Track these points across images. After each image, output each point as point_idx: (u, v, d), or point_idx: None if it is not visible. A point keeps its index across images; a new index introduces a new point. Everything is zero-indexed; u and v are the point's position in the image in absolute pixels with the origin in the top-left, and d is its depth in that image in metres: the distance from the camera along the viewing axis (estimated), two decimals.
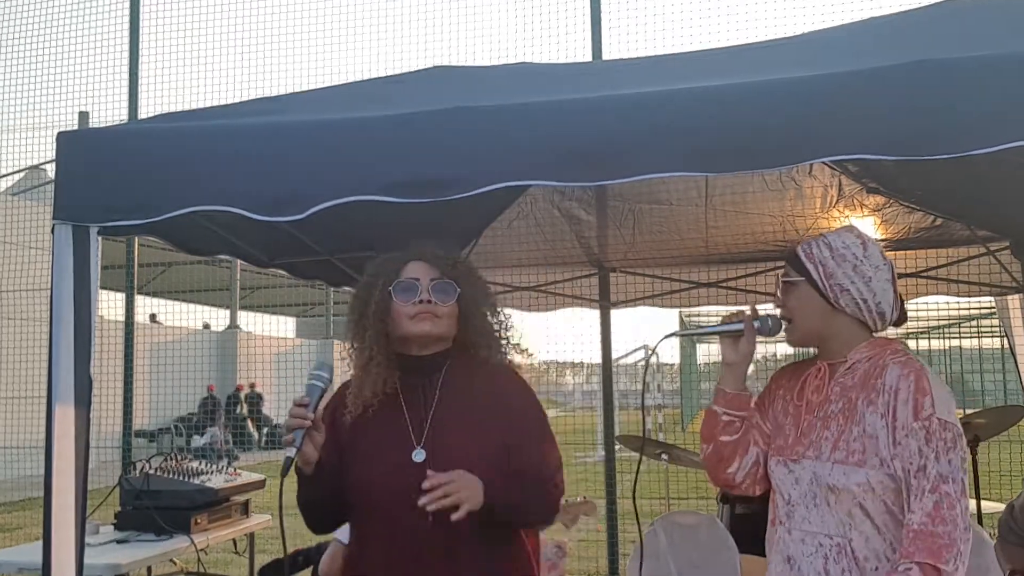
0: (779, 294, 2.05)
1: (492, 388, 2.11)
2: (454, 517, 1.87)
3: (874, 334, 2.02)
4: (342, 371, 2.19)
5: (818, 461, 1.92)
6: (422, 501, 1.88)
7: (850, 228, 2.07)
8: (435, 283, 2.11)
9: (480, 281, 2.21)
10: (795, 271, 2.02)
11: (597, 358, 5.60)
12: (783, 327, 2.04)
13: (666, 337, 2.23)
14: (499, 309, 2.24)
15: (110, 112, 6.62)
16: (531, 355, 2.28)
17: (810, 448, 1.94)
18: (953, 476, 1.76)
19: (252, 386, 18.90)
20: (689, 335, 2.22)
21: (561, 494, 2.17)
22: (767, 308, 2.13)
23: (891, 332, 2.15)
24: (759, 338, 2.06)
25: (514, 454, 2.07)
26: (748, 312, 2.06)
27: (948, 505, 1.74)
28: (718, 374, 2.14)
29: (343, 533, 2.36)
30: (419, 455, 2.03)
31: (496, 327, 2.18)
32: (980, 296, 4.70)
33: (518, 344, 2.23)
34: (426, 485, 1.89)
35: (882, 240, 4.38)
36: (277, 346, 20.70)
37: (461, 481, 1.91)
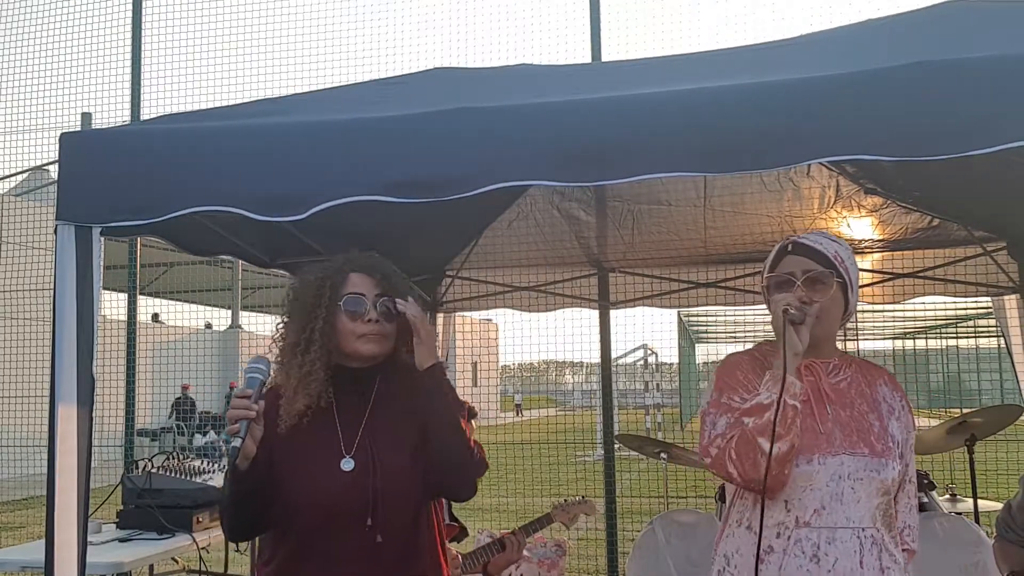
0: (804, 289, 1.96)
1: (412, 390, 2.07)
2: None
3: None
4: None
5: (858, 456, 1.92)
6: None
7: (840, 235, 2.09)
8: (381, 300, 2.05)
9: (405, 285, 2.14)
10: (833, 272, 1.98)
11: (596, 358, 5.61)
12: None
13: (786, 319, 1.92)
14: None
15: (113, 113, 6.65)
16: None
17: (844, 443, 1.93)
18: (915, 473, 2.10)
19: (231, 387, 18.87)
20: (797, 316, 2.19)
21: (481, 459, 2.09)
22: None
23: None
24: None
25: (430, 439, 2.03)
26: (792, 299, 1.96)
27: (914, 494, 2.09)
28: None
29: None
30: (348, 464, 2.00)
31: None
32: (977, 296, 4.70)
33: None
34: (369, 478, 1.93)
35: (879, 240, 4.40)
36: None
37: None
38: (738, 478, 1.89)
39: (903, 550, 2.02)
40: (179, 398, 16.25)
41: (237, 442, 1.88)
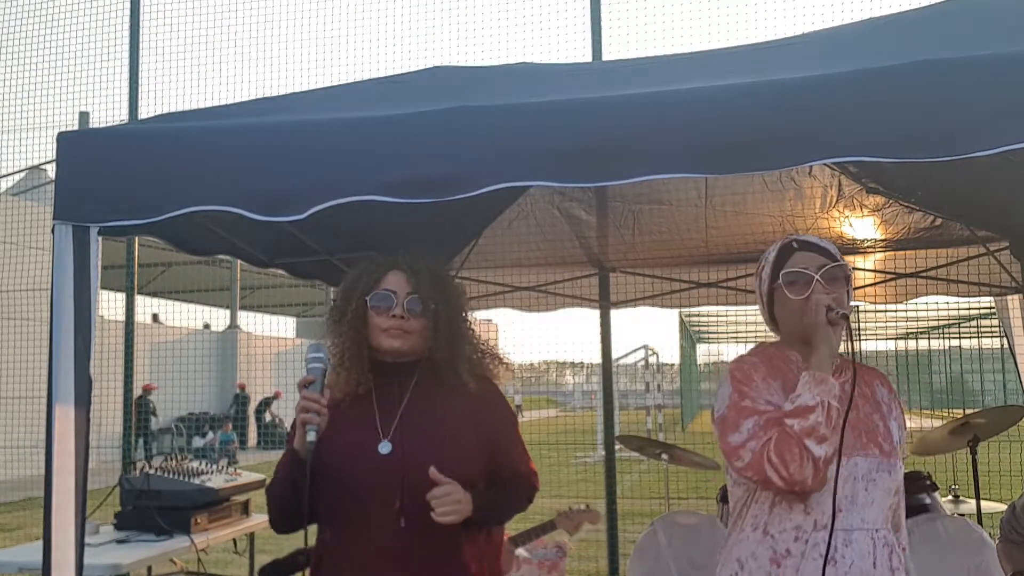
0: (823, 283, 1.95)
1: (463, 393, 2.15)
2: (441, 520, 1.95)
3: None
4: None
5: (870, 457, 1.93)
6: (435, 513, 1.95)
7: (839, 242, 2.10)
8: (410, 298, 2.13)
9: (456, 298, 2.22)
10: (845, 266, 1.99)
11: (597, 358, 5.60)
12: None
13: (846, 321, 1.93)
14: (471, 322, 2.27)
15: (110, 112, 6.63)
16: (510, 368, 2.30)
17: (857, 445, 1.93)
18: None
19: (242, 388, 18.92)
20: (845, 316, 2.19)
21: (535, 490, 2.25)
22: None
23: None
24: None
25: (492, 457, 2.15)
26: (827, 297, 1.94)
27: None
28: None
29: None
30: (385, 447, 2.06)
31: (468, 345, 2.20)
32: (980, 296, 4.69)
33: (497, 356, 2.26)
34: (433, 495, 1.96)
35: (882, 240, 4.38)
36: (277, 346, 20.73)
37: (455, 495, 1.97)
38: (779, 481, 1.85)
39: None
40: (138, 398, 15.38)
41: (312, 436, 1.94)
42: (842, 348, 1.95)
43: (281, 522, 2.12)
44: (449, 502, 1.96)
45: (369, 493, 2.04)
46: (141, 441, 14.77)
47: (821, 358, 1.88)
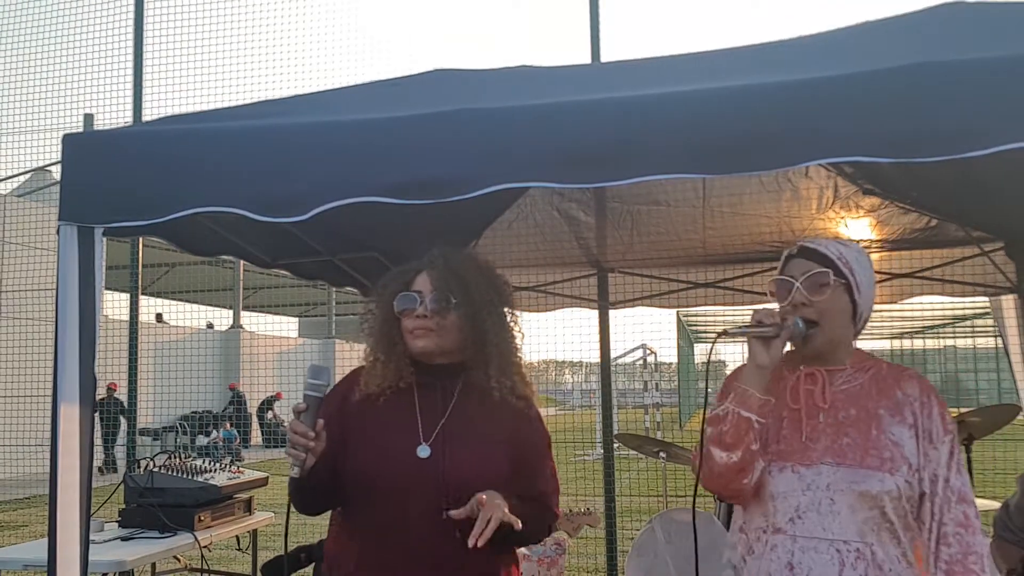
0: (805, 292, 1.94)
1: (505, 407, 2.11)
2: (480, 543, 1.86)
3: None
4: (343, 368, 2.22)
5: (842, 467, 1.87)
6: (453, 514, 1.92)
7: (850, 239, 2.08)
8: (434, 295, 2.09)
9: (488, 293, 2.14)
10: (832, 272, 1.95)
11: (596, 357, 5.62)
12: (807, 330, 1.94)
13: (716, 340, 2.03)
14: (512, 316, 2.20)
15: (115, 114, 6.67)
16: (531, 386, 2.22)
17: (827, 454, 1.90)
18: (969, 492, 1.91)
19: (233, 388, 18.89)
20: (736, 336, 2.23)
21: (556, 519, 2.24)
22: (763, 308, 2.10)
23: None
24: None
25: (519, 478, 2.10)
26: (779, 312, 1.96)
27: (975, 516, 1.89)
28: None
29: None
30: (424, 451, 2.04)
31: (504, 345, 2.13)
32: (974, 296, 4.71)
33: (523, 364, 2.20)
34: (441, 466, 1.96)
35: (877, 241, 4.41)
36: (280, 345, 20.75)
37: (491, 505, 1.90)
38: (701, 482, 1.96)
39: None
40: (102, 399, 14.47)
41: (295, 472, 1.92)
42: (880, 347, 1.94)
43: (305, 511, 2.14)
44: (490, 510, 1.88)
45: (398, 493, 2.02)
46: (111, 443, 14.20)
47: (747, 369, 1.92)
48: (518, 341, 2.19)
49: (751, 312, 1.96)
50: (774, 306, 2.02)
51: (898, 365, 2.07)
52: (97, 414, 2.28)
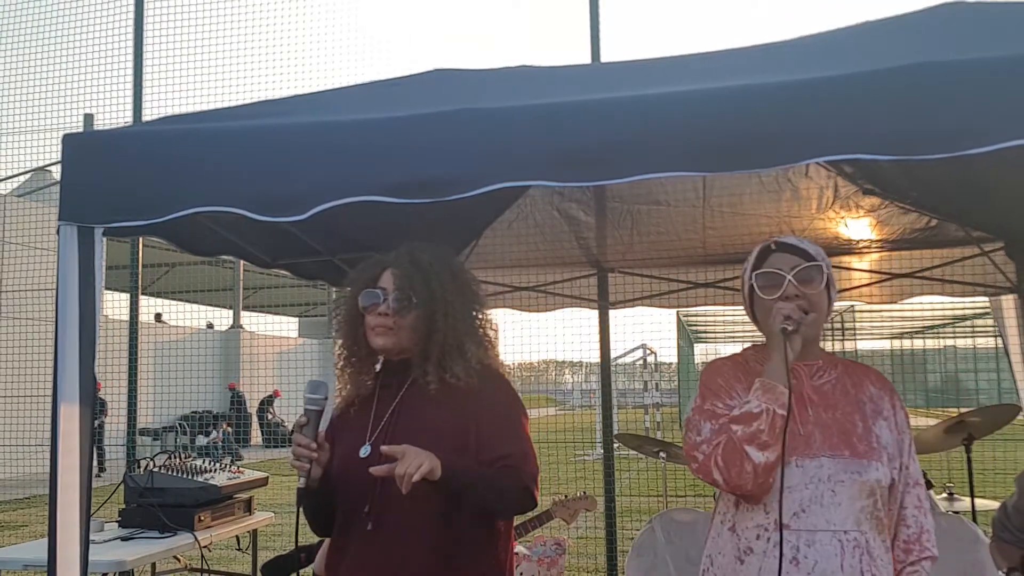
0: (795, 283, 1.97)
1: (447, 394, 2.06)
2: (404, 489, 1.81)
3: None
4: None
5: (841, 458, 1.90)
6: (372, 469, 1.86)
7: (835, 243, 2.11)
8: (396, 294, 2.08)
9: (453, 293, 2.11)
10: (822, 266, 1.99)
11: (596, 357, 5.62)
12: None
13: (787, 337, 1.91)
14: (481, 319, 2.16)
15: (115, 114, 6.68)
16: (489, 367, 2.16)
17: (824, 446, 1.92)
18: (921, 476, 2.06)
19: (232, 388, 18.89)
20: (795, 330, 2.18)
21: (531, 479, 2.05)
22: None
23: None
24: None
25: (478, 452, 2.03)
26: (790, 305, 1.95)
27: (925, 496, 2.04)
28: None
29: None
30: (365, 450, 2.05)
31: (454, 336, 2.08)
32: (974, 296, 4.71)
33: (495, 350, 2.17)
34: (379, 464, 1.87)
35: (877, 241, 4.41)
36: (280, 345, 20.75)
37: (410, 452, 1.85)
38: (723, 484, 1.91)
39: (924, 557, 1.99)
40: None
41: (302, 482, 1.95)
42: (833, 347, 1.98)
43: (318, 532, 2.19)
44: (411, 456, 1.82)
45: (346, 496, 2.04)
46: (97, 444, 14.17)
47: (773, 366, 1.90)
48: (478, 338, 2.14)
49: (772, 310, 1.94)
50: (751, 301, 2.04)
51: (858, 363, 2.13)
52: None
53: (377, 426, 2.10)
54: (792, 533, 1.90)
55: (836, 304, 2.12)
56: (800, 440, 1.94)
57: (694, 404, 2.07)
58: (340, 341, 2.16)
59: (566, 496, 3.96)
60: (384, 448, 1.87)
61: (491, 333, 2.19)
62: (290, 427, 2.12)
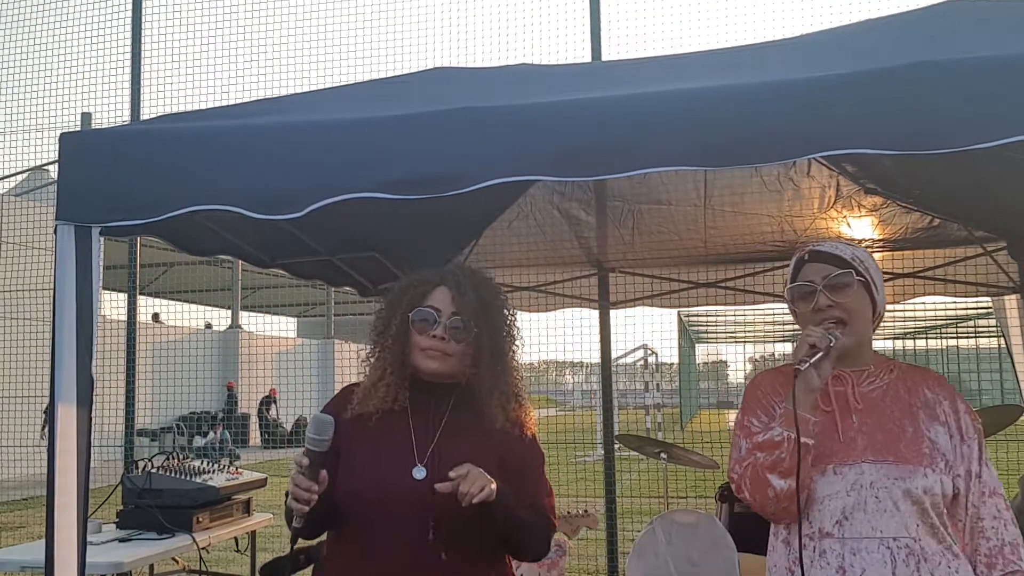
0: (827, 294, 1.94)
1: (493, 427, 2.06)
2: (465, 503, 1.84)
3: None
4: (342, 367, 2.18)
5: (884, 464, 1.87)
6: (438, 486, 1.87)
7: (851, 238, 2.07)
8: (453, 319, 2.04)
9: (503, 324, 2.11)
10: (852, 271, 1.96)
11: (596, 358, 5.61)
12: (840, 336, 1.91)
13: (797, 378, 1.87)
14: (516, 350, 2.15)
15: (113, 113, 6.65)
16: (527, 408, 2.16)
17: (867, 452, 1.89)
18: (999, 485, 1.96)
19: (230, 387, 18.87)
20: (810, 364, 2.13)
21: (554, 530, 2.13)
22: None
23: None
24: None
25: (514, 489, 2.03)
26: (818, 330, 1.90)
27: (1006, 507, 1.94)
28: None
29: None
30: (420, 472, 1.99)
31: (508, 376, 2.09)
32: (977, 296, 4.70)
33: (521, 398, 2.14)
34: (449, 477, 1.87)
35: (879, 240, 4.40)
36: (278, 346, 20.74)
37: (474, 471, 1.88)
38: (753, 506, 1.93)
39: (1011, 572, 1.88)
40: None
41: (298, 523, 1.90)
42: (882, 347, 1.92)
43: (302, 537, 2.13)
44: (475, 476, 1.86)
45: (395, 517, 1.98)
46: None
47: (797, 394, 1.87)
48: (519, 361, 2.14)
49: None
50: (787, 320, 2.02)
51: (917, 366, 2.08)
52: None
53: (425, 447, 2.04)
54: (836, 542, 1.87)
55: None
56: (840, 447, 1.91)
57: (737, 417, 2.06)
58: (379, 354, 2.09)
59: (568, 511, 3.94)
60: (453, 472, 1.87)
61: (519, 372, 2.15)
62: (288, 428, 2.05)
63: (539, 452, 2.16)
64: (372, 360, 2.11)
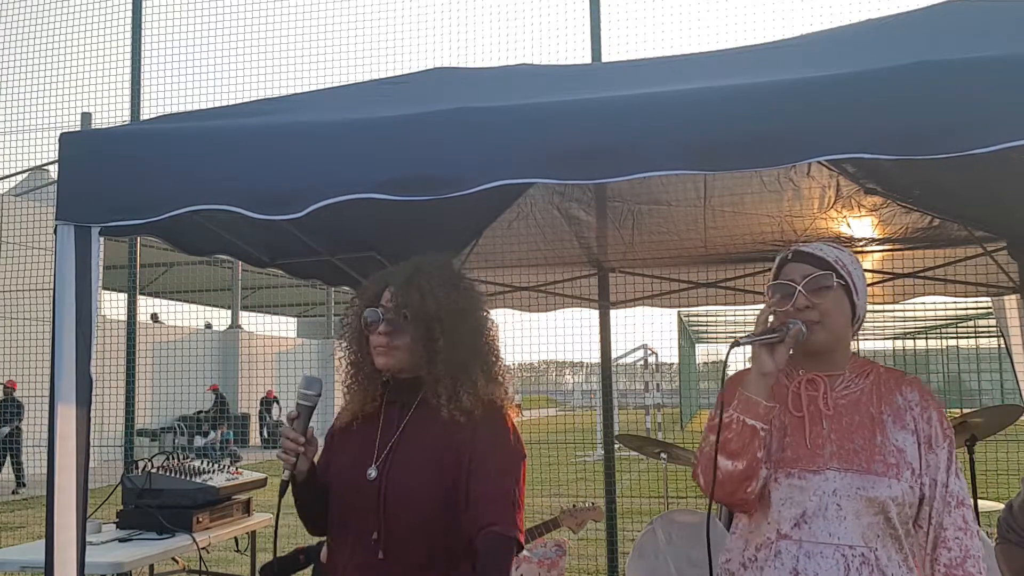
0: (805, 293, 1.92)
1: (453, 426, 2.00)
2: None
3: None
4: (341, 367, 2.20)
5: (849, 472, 1.86)
6: None
7: (837, 243, 2.07)
8: (393, 313, 2.03)
9: (453, 301, 2.04)
10: (833, 274, 1.95)
11: (596, 358, 5.61)
12: (805, 330, 1.90)
13: (731, 349, 1.88)
14: (486, 334, 2.09)
15: (112, 113, 6.66)
16: (515, 402, 2.11)
17: (833, 459, 1.88)
18: (967, 496, 1.92)
19: (214, 389, 18.87)
20: (747, 344, 2.16)
21: (515, 542, 1.94)
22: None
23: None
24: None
25: (469, 484, 1.96)
26: (781, 317, 1.91)
27: (972, 519, 1.90)
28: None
29: None
30: (372, 472, 2.01)
31: (460, 355, 2.02)
32: (977, 296, 4.70)
33: (503, 385, 2.09)
34: (386, 488, 1.92)
35: (879, 240, 4.40)
36: (278, 346, 20.74)
37: None
38: (705, 492, 1.94)
39: None
40: (2, 401, 12.98)
41: (286, 475, 1.98)
42: (883, 347, 1.90)
43: (309, 530, 2.16)
44: None
45: (352, 518, 2.01)
46: (15, 453, 12.43)
47: (751, 378, 1.88)
48: (487, 356, 2.08)
49: (754, 316, 1.92)
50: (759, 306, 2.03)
51: (896, 370, 2.06)
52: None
53: (384, 447, 2.05)
54: (793, 543, 1.88)
55: None
56: (807, 452, 1.91)
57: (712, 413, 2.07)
58: (347, 357, 2.12)
59: (574, 505, 3.93)
60: None
61: (496, 360, 2.10)
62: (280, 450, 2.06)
63: (510, 450, 2.02)
64: (344, 364, 2.14)
